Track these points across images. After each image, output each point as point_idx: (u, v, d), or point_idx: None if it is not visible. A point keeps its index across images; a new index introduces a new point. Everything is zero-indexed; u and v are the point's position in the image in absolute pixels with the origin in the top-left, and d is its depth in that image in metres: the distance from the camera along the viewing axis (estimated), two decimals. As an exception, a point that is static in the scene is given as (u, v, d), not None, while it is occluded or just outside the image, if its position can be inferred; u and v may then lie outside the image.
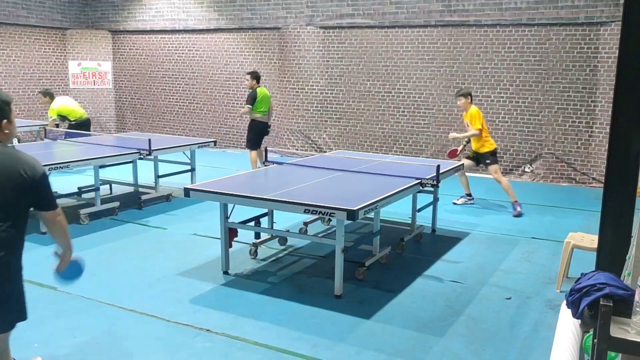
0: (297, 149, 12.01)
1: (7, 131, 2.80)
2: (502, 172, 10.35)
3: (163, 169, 8.11)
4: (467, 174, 8.07)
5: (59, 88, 14.00)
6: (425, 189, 5.73)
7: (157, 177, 7.95)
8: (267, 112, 9.44)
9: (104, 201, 7.17)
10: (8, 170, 2.73)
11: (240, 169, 8.62)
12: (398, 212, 6.73)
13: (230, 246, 5.25)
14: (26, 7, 12.99)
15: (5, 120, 2.80)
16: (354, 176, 5.89)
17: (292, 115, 12.18)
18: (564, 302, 2.31)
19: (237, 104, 12.87)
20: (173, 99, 13.92)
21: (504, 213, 7.75)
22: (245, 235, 5.46)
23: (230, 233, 5.20)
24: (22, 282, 2.88)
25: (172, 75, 13.83)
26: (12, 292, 2.82)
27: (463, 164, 7.26)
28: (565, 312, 2.66)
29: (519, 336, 4.14)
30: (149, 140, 7.36)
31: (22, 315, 2.89)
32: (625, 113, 2.70)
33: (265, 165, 6.60)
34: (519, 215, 7.54)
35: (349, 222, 5.05)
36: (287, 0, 11.95)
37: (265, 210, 5.73)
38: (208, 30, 13.08)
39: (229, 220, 5.17)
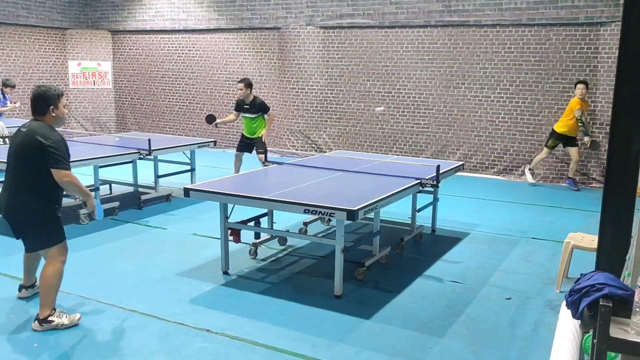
0: (297, 149, 12.01)
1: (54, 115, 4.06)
2: (502, 172, 10.42)
3: (163, 169, 8.10)
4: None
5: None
6: (425, 189, 5.73)
7: (157, 177, 7.95)
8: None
9: (103, 201, 7.16)
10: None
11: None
12: (398, 212, 6.72)
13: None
14: (26, 7, 12.98)
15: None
16: (354, 176, 5.89)
17: (292, 115, 12.17)
18: (564, 303, 2.31)
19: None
20: (173, 99, 13.92)
21: (504, 213, 7.75)
22: (245, 235, 5.46)
23: (234, 232, 5.21)
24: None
25: (172, 75, 13.82)
26: None
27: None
28: (565, 313, 2.66)
29: (519, 336, 4.14)
30: (149, 140, 7.36)
31: None
32: (625, 113, 2.70)
33: (265, 166, 6.60)
34: (578, 190, 9.23)
35: (349, 222, 5.04)
36: (287, 0, 11.95)
37: (265, 210, 5.74)
38: (208, 30, 13.07)
39: (229, 220, 5.18)
